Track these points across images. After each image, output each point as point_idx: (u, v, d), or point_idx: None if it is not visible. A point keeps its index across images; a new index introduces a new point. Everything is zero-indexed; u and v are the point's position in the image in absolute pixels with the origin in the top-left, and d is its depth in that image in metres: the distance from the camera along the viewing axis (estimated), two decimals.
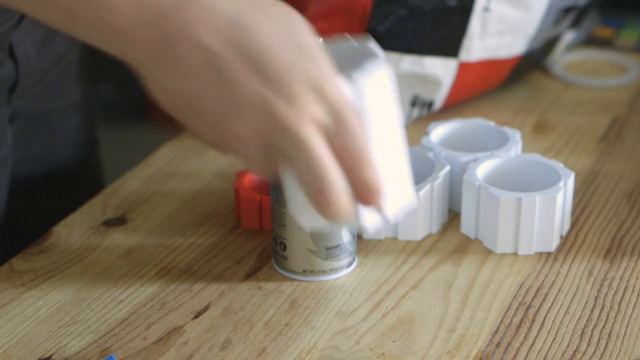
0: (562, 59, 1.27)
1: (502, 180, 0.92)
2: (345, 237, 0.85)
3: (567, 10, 1.15)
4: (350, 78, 0.68)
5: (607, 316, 0.82)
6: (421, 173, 0.92)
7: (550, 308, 0.83)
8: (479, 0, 1.06)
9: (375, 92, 0.69)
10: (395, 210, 0.71)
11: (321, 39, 0.81)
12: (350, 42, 0.74)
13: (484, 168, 0.92)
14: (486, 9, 1.07)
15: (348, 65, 0.72)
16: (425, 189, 0.90)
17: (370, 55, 0.72)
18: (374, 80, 0.69)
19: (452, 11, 1.06)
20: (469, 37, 1.08)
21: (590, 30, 1.31)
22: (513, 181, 0.93)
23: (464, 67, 1.10)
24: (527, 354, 0.78)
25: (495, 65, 1.13)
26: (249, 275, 0.87)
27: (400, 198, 0.73)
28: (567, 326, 0.81)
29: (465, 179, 0.90)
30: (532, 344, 0.79)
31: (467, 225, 0.92)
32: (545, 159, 0.93)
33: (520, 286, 0.86)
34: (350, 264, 0.88)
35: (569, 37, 1.23)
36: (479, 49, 1.10)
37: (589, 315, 0.82)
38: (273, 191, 0.85)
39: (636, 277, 0.86)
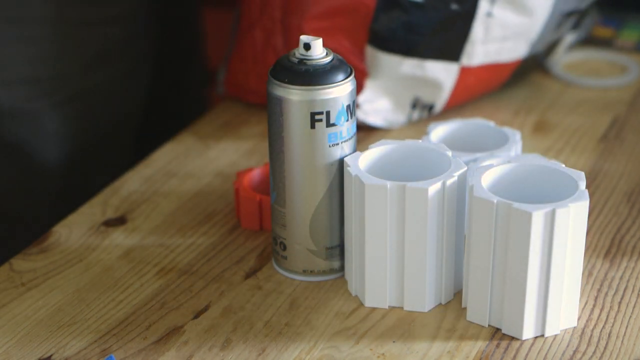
0: (562, 59, 1.27)
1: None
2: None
3: (569, 15, 1.15)
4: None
5: (607, 316, 0.82)
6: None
7: None
8: (482, 5, 1.06)
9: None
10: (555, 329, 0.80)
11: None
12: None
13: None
14: (489, 15, 1.07)
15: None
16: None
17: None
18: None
19: (455, 16, 1.06)
20: (472, 42, 1.08)
21: (590, 30, 1.31)
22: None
23: (465, 72, 1.10)
24: (527, 354, 0.78)
25: (496, 69, 1.13)
26: (249, 275, 0.87)
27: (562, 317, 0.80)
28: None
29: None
30: (532, 344, 0.79)
31: None
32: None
33: None
34: None
35: (569, 38, 1.23)
36: (481, 53, 1.10)
37: (589, 315, 0.82)
38: (273, 191, 0.85)
39: (636, 277, 0.86)
